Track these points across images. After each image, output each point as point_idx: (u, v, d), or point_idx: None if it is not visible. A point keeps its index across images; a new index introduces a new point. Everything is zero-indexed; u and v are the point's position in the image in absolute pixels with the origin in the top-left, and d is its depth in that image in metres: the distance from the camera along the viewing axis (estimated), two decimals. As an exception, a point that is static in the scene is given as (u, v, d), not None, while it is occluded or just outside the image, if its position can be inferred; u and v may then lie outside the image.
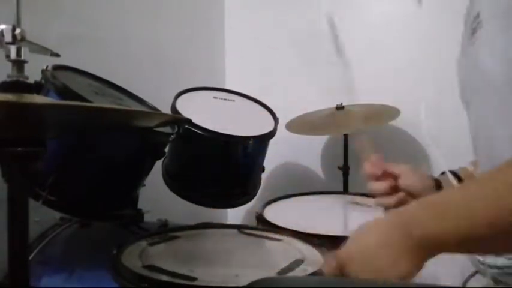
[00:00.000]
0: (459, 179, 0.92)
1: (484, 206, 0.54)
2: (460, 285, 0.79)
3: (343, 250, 0.65)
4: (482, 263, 0.76)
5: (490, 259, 0.74)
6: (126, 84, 1.32)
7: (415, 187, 0.90)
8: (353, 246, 0.65)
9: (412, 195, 0.89)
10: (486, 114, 0.69)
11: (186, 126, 1.24)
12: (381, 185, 0.90)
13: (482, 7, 0.67)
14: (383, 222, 0.63)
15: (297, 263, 0.90)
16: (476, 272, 0.78)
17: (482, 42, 0.66)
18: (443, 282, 0.84)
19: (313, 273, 0.83)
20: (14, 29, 0.66)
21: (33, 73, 0.82)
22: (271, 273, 0.84)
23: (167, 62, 1.82)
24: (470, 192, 0.57)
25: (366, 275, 0.61)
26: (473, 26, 0.68)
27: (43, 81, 1.01)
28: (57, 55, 0.95)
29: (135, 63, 1.64)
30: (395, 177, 0.91)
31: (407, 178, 0.91)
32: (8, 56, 0.67)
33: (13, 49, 0.66)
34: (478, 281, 0.78)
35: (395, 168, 0.92)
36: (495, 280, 0.74)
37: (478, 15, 0.67)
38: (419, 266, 0.58)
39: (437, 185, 0.92)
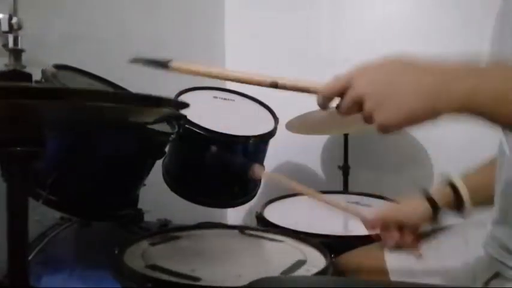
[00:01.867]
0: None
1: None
2: (482, 284, 0.79)
3: (353, 70, 0.61)
4: (506, 265, 0.75)
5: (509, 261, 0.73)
6: (126, 83, 1.31)
7: (411, 221, 0.94)
8: (368, 67, 0.60)
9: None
10: None
11: (186, 125, 1.24)
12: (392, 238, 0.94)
13: None
14: (418, 64, 0.58)
15: (300, 263, 0.90)
16: (496, 275, 0.77)
17: None
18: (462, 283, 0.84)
19: (316, 274, 0.83)
20: (10, 18, 0.65)
21: (33, 73, 0.82)
22: (274, 273, 0.84)
23: (167, 61, 1.81)
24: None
25: (373, 98, 0.56)
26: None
27: (43, 80, 1.01)
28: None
29: (135, 62, 1.64)
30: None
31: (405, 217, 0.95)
32: (5, 45, 0.67)
33: (10, 38, 0.66)
34: (497, 283, 0.77)
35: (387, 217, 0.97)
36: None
37: None
38: (434, 114, 0.55)
39: (432, 204, 0.93)
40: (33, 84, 0.75)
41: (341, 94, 0.61)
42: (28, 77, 0.67)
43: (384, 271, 0.93)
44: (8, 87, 0.46)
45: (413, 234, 0.94)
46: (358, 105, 0.59)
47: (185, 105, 0.63)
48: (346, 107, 0.61)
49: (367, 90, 0.58)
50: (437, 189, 0.95)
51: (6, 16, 0.66)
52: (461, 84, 0.54)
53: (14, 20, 0.66)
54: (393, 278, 0.91)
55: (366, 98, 0.58)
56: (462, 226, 0.94)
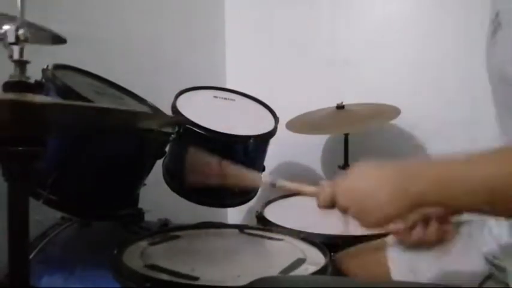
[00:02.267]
0: None
1: (483, 181, 0.58)
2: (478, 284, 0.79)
3: (339, 182, 0.73)
4: (494, 265, 0.75)
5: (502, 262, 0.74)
6: (127, 83, 1.32)
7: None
8: (348, 181, 0.72)
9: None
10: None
11: (187, 125, 1.24)
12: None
13: (501, 7, 0.67)
14: (382, 169, 0.69)
15: (299, 262, 0.90)
16: (489, 277, 0.78)
17: (501, 44, 0.67)
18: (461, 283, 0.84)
19: (316, 273, 0.83)
20: (17, 30, 0.66)
21: (33, 73, 0.82)
22: (273, 272, 0.84)
23: (167, 61, 1.82)
24: (473, 166, 0.61)
25: (354, 209, 0.68)
26: (494, 24, 0.69)
27: (43, 80, 1.01)
28: (64, 41, 0.95)
29: (135, 62, 1.64)
30: None
31: None
32: (11, 57, 0.67)
33: (16, 49, 0.66)
34: (490, 284, 0.78)
35: None
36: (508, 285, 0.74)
37: (497, 15, 0.67)
38: (402, 215, 0.66)
39: None
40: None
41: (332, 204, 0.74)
42: (33, 87, 0.67)
43: (384, 268, 0.92)
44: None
45: (440, 226, 0.89)
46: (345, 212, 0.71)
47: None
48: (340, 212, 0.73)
49: (348, 204, 0.70)
50: None
51: (13, 28, 0.67)
52: (415, 187, 0.63)
53: (21, 31, 0.67)
54: (394, 275, 0.91)
55: (349, 210, 0.70)
56: (464, 225, 0.94)
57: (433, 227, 0.79)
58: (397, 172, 0.66)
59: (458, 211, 0.70)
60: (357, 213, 0.69)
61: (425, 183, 0.62)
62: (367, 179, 0.69)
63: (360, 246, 1.03)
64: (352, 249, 1.02)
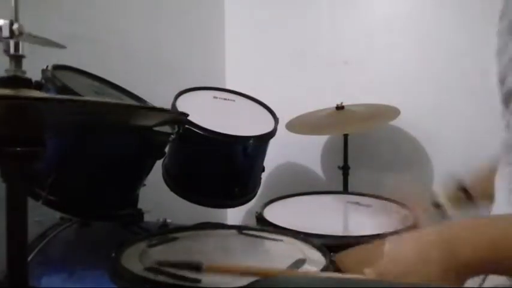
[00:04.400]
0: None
1: None
2: (479, 284, 0.79)
3: (380, 267, 0.64)
4: None
5: None
6: (126, 83, 1.32)
7: None
8: (390, 262, 0.63)
9: None
10: None
11: (186, 126, 1.24)
12: None
13: None
14: (421, 238, 0.62)
15: (300, 262, 0.89)
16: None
17: None
18: None
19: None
20: (11, 24, 0.66)
21: (33, 73, 0.82)
22: None
23: (167, 61, 1.82)
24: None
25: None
26: None
27: (43, 81, 1.01)
28: (63, 46, 0.95)
29: (135, 63, 1.64)
30: None
31: None
32: (6, 51, 0.67)
33: (11, 44, 0.66)
34: (495, 278, 0.78)
35: None
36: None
37: None
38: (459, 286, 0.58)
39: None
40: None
41: None
42: (28, 82, 0.67)
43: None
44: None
45: None
46: None
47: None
48: None
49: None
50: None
51: (7, 22, 0.67)
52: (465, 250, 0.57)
53: (15, 26, 0.66)
54: None
55: None
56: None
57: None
58: (435, 241, 0.60)
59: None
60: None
61: (472, 248, 0.57)
62: (408, 253, 0.61)
63: (360, 247, 1.03)
64: (352, 250, 1.02)
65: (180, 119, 1.22)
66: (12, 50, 0.67)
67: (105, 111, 0.58)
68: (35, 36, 0.75)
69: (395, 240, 0.64)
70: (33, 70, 0.79)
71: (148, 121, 0.86)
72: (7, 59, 0.68)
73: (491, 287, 0.76)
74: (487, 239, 0.57)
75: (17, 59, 0.67)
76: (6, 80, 0.65)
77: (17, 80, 0.66)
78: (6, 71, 0.66)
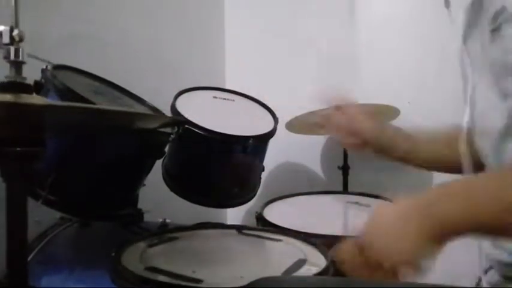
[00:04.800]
0: None
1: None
2: (475, 281, 0.79)
3: (364, 228, 0.67)
4: (493, 260, 0.76)
5: (500, 256, 0.74)
6: (126, 83, 1.32)
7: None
8: (373, 222, 0.67)
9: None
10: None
11: (186, 126, 1.24)
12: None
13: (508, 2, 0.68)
14: (402, 202, 0.66)
15: (300, 263, 0.90)
16: (490, 268, 0.78)
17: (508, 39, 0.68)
18: (457, 279, 0.84)
19: (319, 274, 0.83)
20: (12, 30, 0.66)
21: (33, 73, 0.82)
22: (276, 273, 0.83)
23: (167, 61, 1.82)
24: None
25: (383, 248, 0.64)
26: (498, 20, 0.69)
27: (43, 81, 1.01)
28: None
29: (134, 62, 1.64)
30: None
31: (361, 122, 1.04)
32: (6, 57, 0.67)
33: (12, 50, 0.66)
34: (491, 277, 0.78)
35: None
36: (506, 277, 0.74)
37: (503, 10, 0.68)
38: (436, 247, 0.62)
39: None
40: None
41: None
42: (28, 88, 0.67)
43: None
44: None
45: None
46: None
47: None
48: None
49: (380, 251, 0.65)
50: None
51: (8, 28, 0.67)
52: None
53: (15, 32, 0.67)
54: None
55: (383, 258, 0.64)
56: None
57: None
58: (415, 203, 0.64)
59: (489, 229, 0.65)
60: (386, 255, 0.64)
61: (447, 203, 0.62)
62: (386, 217, 0.66)
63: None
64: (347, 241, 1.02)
65: (179, 120, 1.22)
66: (12, 56, 0.67)
67: (105, 117, 0.58)
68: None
69: (380, 204, 0.70)
70: (33, 70, 0.79)
71: (148, 124, 0.86)
72: (7, 64, 0.68)
73: (488, 287, 0.76)
74: (462, 204, 0.62)
75: (17, 65, 0.67)
76: (6, 85, 0.65)
77: (17, 86, 0.66)
78: (6, 77, 0.67)
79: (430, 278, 0.65)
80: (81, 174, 1.08)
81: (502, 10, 0.68)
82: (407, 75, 1.84)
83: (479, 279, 0.79)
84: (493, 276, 0.77)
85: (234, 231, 1.11)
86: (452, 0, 0.93)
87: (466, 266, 0.84)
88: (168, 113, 1.31)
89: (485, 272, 0.78)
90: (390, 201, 1.43)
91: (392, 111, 1.62)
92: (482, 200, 0.61)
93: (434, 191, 0.67)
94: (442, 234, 0.61)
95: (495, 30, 0.70)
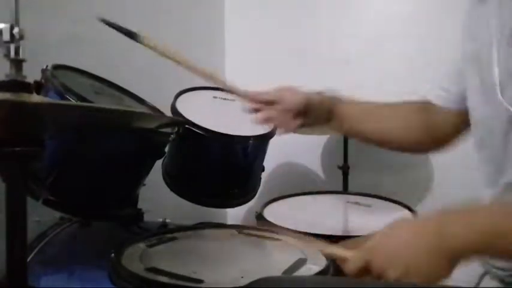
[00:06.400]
0: None
1: None
2: (475, 284, 0.80)
3: (370, 246, 0.67)
4: (491, 265, 0.76)
5: (498, 262, 0.74)
6: (126, 83, 1.31)
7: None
8: (382, 242, 0.67)
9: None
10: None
11: (186, 126, 1.24)
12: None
13: None
14: (417, 223, 0.67)
15: (301, 262, 0.89)
16: (485, 274, 0.78)
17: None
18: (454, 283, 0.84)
19: (319, 273, 0.83)
20: (12, 28, 0.66)
21: (33, 73, 0.82)
22: (276, 273, 0.83)
23: (167, 61, 1.81)
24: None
25: (394, 272, 0.63)
26: None
27: (43, 81, 1.01)
28: None
29: (135, 62, 1.64)
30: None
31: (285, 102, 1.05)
32: (6, 55, 0.67)
33: (12, 48, 0.66)
34: (487, 283, 0.78)
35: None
36: (502, 281, 0.74)
37: None
38: (448, 273, 0.62)
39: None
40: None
41: (366, 272, 0.68)
42: (29, 87, 0.67)
43: None
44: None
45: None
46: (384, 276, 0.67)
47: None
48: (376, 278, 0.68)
49: (386, 267, 0.65)
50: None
51: (8, 26, 0.67)
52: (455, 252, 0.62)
53: (16, 30, 0.66)
54: None
55: (389, 273, 0.64)
56: None
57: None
58: (429, 230, 0.64)
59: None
60: (397, 274, 0.64)
61: (464, 242, 0.62)
62: (401, 241, 0.65)
63: (358, 239, 1.03)
64: (350, 242, 1.02)
65: (179, 120, 1.22)
66: (12, 54, 0.67)
67: (104, 116, 0.58)
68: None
69: (394, 223, 0.68)
70: (33, 70, 0.79)
71: (148, 124, 0.86)
72: (7, 62, 0.68)
73: None
74: (477, 232, 0.62)
75: (17, 63, 0.67)
76: (6, 84, 0.65)
77: (18, 85, 0.66)
78: (6, 75, 0.66)
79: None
80: (81, 174, 1.07)
81: None
82: (408, 75, 1.84)
83: (480, 279, 0.79)
84: (489, 282, 0.77)
85: (234, 231, 1.11)
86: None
87: (462, 273, 0.84)
88: (168, 113, 1.31)
89: (482, 277, 0.78)
90: (391, 201, 1.44)
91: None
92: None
93: (451, 214, 0.66)
94: (455, 257, 0.62)
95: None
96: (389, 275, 0.64)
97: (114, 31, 0.96)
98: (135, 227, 1.18)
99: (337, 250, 0.76)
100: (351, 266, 0.68)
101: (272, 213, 1.34)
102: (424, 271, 0.62)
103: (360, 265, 0.67)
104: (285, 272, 0.85)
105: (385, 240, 0.67)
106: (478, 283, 0.78)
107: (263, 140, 1.39)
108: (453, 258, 0.62)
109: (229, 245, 1.05)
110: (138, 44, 1.70)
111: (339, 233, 1.20)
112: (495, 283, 0.75)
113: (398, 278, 0.64)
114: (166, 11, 1.83)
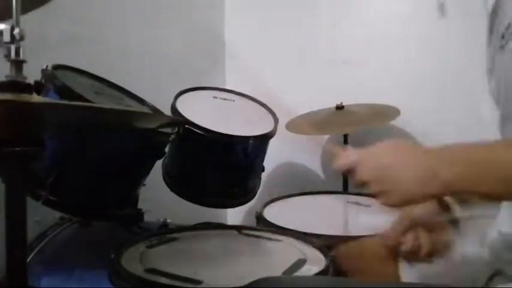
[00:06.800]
0: None
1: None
2: (485, 283, 0.79)
3: (365, 151, 0.68)
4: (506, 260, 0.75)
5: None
6: (127, 84, 1.32)
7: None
8: (376, 152, 0.67)
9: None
10: None
11: (186, 126, 1.24)
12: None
13: None
14: (414, 148, 0.67)
15: (300, 262, 0.89)
16: (495, 274, 0.77)
17: None
18: (464, 283, 0.82)
19: (319, 273, 0.83)
20: (12, 29, 0.66)
21: (33, 73, 0.82)
22: (276, 273, 0.83)
23: (167, 62, 1.82)
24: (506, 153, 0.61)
25: (376, 183, 0.65)
26: (506, 36, 0.69)
27: (43, 81, 1.01)
28: None
29: (135, 63, 1.64)
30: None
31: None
32: (6, 56, 0.67)
33: (12, 49, 0.66)
34: (498, 281, 0.77)
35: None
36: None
37: (509, 27, 0.68)
38: (425, 200, 0.65)
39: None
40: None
41: (348, 172, 0.70)
42: (29, 87, 0.67)
43: (384, 261, 0.91)
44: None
45: (431, 235, 0.82)
46: (363, 185, 0.69)
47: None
48: (354, 185, 0.71)
49: (370, 177, 0.67)
50: None
51: (8, 27, 0.67)
52: (447, 172, 0.62)
53: (16, 30, 0.66)
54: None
55: (370, 184, 0.67)
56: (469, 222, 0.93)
57: (423, 238, 0.79)
58: (429, 154, 0.65)
59: (490, 199, 0.68)
60: (377, 188, 0.66)
61: (457, 171, 0.61)
62: (396, 155, 0.66)
63: (359, 241, 1.02)
64: (351, 245, 1.02)
65: (179, 120, 1.22)
66: (13, 55, 0.67)
67: (104, 116, 0.58)
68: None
69: (398, 140, 0.69)
70: (33, 70, 0.79)
71: (148, 124, 0.86)
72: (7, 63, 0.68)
73: (497, 287, 0.76)
74: (467, 161, 0.62)
75: (17, 64, 0.67)
76: (6, 84, 0.65)
77: (18, 85, 0.66)
78: (6, 76, 0.66)
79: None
80: (81, 174, 1.07)
81: (508, 26, 0.68)
82: (407, 75, 1.84)
83: (490, 279, 0.78)
84: (500, 280, 0.76)
85: (234, 232, 1.11)
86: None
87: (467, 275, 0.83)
88: (168, 113, 1.31)
89: (491, 278, 0.78)
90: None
91: (392, 111, 1.62)
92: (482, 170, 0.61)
93: (442, 147, 0.65)
94: (445, 185, 0.61)
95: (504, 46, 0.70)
96: (371, 187, 0.66)
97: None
98: (135, 227, 1.18)
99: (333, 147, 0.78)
100: (339, 161, 0.71)
101: (272, 213, 1.34)
102: (405, 187, 0.63)
103: (348, 163, 0.69)
104: (285, 272, 0.85)
105: (381, 152, 0.67)
106: (487, 283, 0.78)
107: (263, 140, 1.39)
108: (445, 188, 0.62)
109: (229, 245, 1.05)
110: (137, 44, 1.71)
111: (339, 233, 1.19)
112: (505, 282, 0.74)
113: (377, 193, 0.66)
114: (166, 11, 1.83)
